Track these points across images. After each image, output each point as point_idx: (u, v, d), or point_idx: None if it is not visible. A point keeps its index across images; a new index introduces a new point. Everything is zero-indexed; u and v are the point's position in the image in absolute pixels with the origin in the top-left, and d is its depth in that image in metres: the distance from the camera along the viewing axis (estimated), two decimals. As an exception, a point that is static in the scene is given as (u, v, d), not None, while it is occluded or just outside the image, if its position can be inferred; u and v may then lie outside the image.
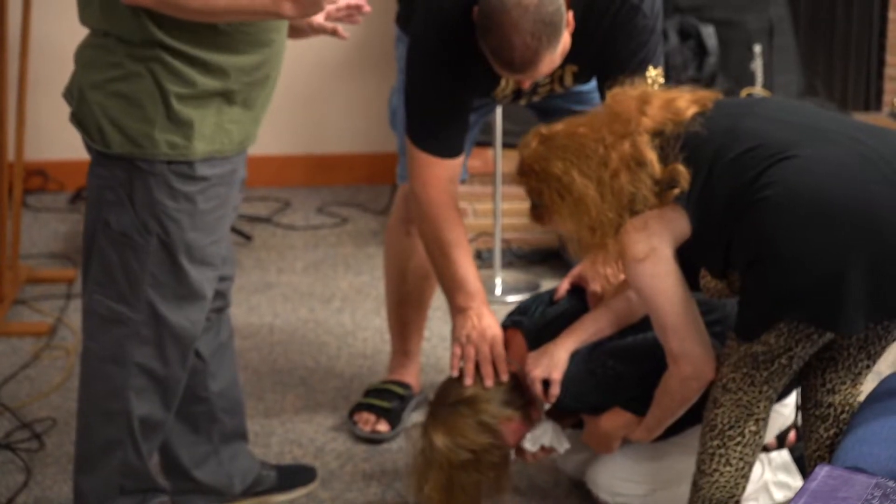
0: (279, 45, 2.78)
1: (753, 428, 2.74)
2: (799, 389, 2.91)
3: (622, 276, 2.98)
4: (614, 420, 3.00)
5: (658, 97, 2.72)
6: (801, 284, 2.53)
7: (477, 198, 4.78)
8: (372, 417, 3.61)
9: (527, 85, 3.01)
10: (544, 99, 3.28)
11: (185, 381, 2.94)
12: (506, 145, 4.48)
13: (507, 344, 3.10)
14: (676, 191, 2.62)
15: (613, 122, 2.68)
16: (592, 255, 2.73)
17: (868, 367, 2.79)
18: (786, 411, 3.11)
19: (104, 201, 2.77)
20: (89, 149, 2.77)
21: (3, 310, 4.23)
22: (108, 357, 2.85)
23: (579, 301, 3.14)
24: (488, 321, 3.06)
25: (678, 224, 2.65)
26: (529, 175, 2.76)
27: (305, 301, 4.49)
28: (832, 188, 2.52)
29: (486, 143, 4.46)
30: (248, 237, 5.00)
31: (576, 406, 3.03)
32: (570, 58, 2.97)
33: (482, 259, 4.74)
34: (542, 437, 3.05)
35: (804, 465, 3.16)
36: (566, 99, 3.32)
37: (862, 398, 2.80)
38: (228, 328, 3.14)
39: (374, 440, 3.58)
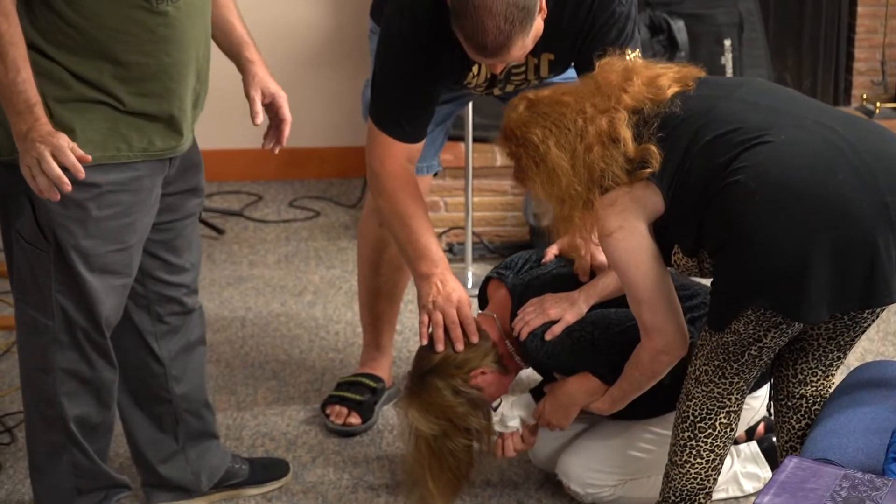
0: (176, 58, 2.68)
1: (725, 420, 2.75)
2: (770, 382, 2.93)
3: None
4: (580, 384, 3.00)
5: (643, 73, 2.75)
6: (765, 270, 2.56)
7: (448, 191, 4.79)
8: (344, 410, 3.61)
9: (499, 69, 3.02)
10: (518, 89, 3.29)
11: (117, 379, 2.92)
12: (477, 139, 4.48)
13: (490, 295, 3.14)
14: (648, 171, 2.64)
15: (596, 94, 2.71)
16: (563, 226, 2.75)
17: (839, 358, 2.81)
18: (755, 404, 3.12)
19: (11, 210, 2.75)
20: None
21: (-26, 304, 4.22)
22: (36, 366, 2.85)
23: (569, 263, 3.17)
24: (453, 285, 3.06)
25: (650, 200, 2.68)
26: (511, 139, 2.78)
27: (277, 294, 4.48)
28: (801, 175, 2.54)
29: (458, 137, 4.46)
30: (220, 231, 4.99)
31: (546, 363, 3.05)
32: (545, 46, 2.99)
33: (454, 253, 4.74)
34: (518, 405, 3.07)
35: (773, 457, 3.18)
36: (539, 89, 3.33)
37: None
38: (199, 330, 3.11)
39: (346, 433, 3.58)
